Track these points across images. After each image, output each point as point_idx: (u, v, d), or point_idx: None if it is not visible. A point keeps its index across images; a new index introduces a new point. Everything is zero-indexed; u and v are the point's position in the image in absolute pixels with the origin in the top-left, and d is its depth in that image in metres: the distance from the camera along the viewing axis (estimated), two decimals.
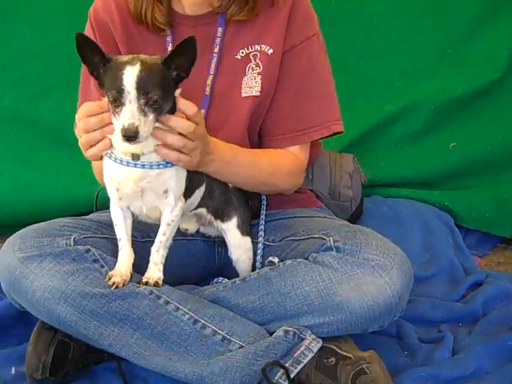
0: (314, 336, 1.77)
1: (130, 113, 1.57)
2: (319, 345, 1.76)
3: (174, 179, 1.73)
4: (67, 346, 1.84)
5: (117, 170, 1.71)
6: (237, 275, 1.98)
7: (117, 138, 1.64)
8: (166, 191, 1.74)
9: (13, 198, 2.83)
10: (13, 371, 1.92)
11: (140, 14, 1.95)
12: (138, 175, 1.70)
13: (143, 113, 1.58)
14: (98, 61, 1.63)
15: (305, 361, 1.74)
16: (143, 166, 1.69)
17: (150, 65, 1.60)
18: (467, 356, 1.90)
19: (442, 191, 2.89)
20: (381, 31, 2.98)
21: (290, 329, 1.76)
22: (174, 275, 1.90)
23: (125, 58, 1.63)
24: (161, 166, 1.70)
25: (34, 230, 1.84)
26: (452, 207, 2.80)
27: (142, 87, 1.57)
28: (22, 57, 2.90)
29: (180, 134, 1.67)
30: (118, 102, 1.58)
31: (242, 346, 1.74)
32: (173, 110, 1.67)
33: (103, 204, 2.26)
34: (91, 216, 2.06)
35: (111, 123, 1.65)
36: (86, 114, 1.69)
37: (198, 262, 2.11)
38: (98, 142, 1.69)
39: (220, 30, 1.97)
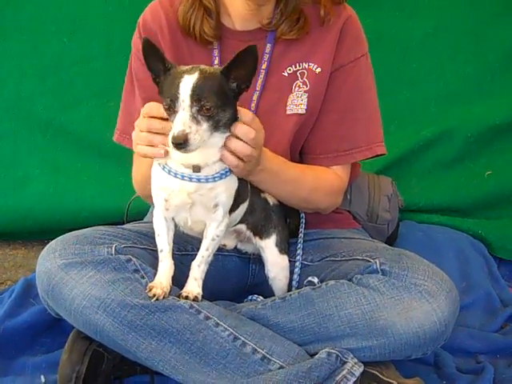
0: (356, 360, 1.72)
1: (181, 120, 1.54)
2: (361, 369, 1.71)
3: (225, 193, 1.71)
4: (101, 357, 1.81)
5: (170, 181, 1.69)
6: (269, 294, 1.94)
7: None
8: (216, 205, 1.71)
9: (41, 204, 2.84)
10: (42, 379, 1.91)
11: (189, 27, 1.94)
12: (193, 188, 1.67)
13: (195, 121, 1.55)
14: (160, 68, 1.62)
15: None
16: (199, 181, 1.67)
17: (207, 74, 1.58)
18: None
19: (475, 219, 2.86)
20: (419, 57, 2.97)
21: (333, 351, 1.72)
22: (207, 290, 1.85)
23: (185, 67, 1.61)
24: (216, 178, 1.68)
25: (75, 237, 1.82)
26: (486, 236, 2.77)
27: (195, 95, 1.54)
28: (59, 65, 2.91)
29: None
30: (171, 109, 1.57)
31: (282, 367, 1.70)
32: (233, 121, 1.64)
33: (133, 215, 2.25)
34: (129, 226, 2.03)
35: None
36: (149, 114, 1.66)
37: (231, 278, 2.08)
38: (156, 145, 1.66)
39: (268, 46, 1.96)
